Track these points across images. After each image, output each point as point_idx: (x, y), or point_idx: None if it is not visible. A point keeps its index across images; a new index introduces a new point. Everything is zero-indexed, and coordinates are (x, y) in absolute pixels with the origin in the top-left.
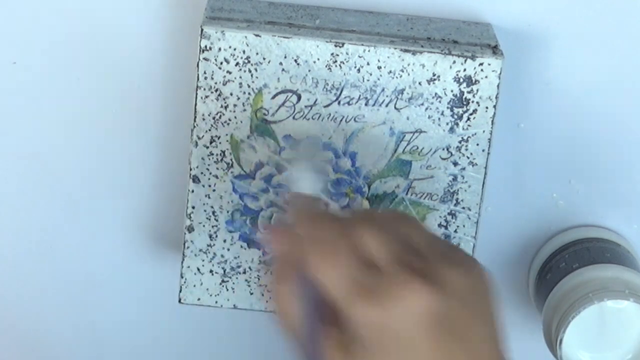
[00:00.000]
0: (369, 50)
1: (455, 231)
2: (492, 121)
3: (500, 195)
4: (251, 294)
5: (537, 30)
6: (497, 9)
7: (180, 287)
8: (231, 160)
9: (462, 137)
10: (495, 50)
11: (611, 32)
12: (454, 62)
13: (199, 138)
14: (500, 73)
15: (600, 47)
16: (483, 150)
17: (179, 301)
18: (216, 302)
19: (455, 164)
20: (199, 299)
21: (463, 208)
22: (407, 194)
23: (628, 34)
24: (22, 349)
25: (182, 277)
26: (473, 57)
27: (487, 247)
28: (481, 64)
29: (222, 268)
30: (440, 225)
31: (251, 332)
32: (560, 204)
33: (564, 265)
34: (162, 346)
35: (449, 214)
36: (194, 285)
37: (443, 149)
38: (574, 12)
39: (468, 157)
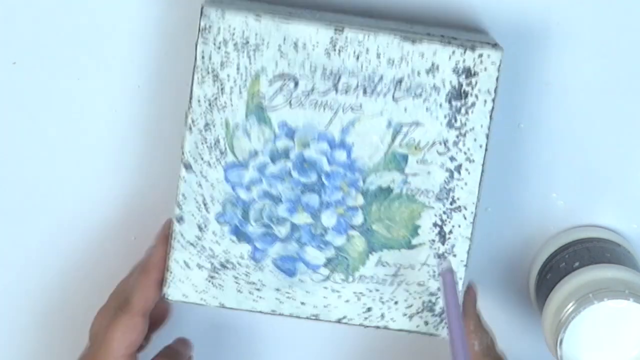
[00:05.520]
0: (368, 38)
1: (451, 232)
2: (491, 116)
3: (500, 195)
4: (239, 292)
5: (537, 30)
6: (497, 9)
7: (167, 281)
8: (225, 147)
9: (460, 132)
10: (494, 46)
11: (611, 33)
12: (454, 52)
13: (193, 123)
14: (499, 66)
15: (600, 47)
16: (480, 147)
17: (164, 297)
18: (202, 299)
19: (452, 159)
20: (184, 296)
21: (459, 207)
22: (402, 189)
23: (628, 35)
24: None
25: (169, 270)
26: (473, 48)
27: (487, 248)
28: (480, 55)
29: (211, 263)
30: (435, 224)
31: (250, 331)
32: (560, 204)
33: (564, 265)
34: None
35: (444, 212)
36: (181, 281)
37: (440, 143)
38: (574, 12)
39: (465, 153)
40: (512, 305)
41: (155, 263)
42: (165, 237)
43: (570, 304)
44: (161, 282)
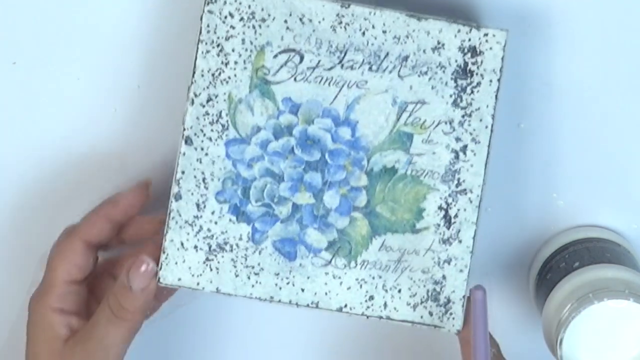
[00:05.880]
0: (374, 13)
1: (456, 215)
2: (496, 96)
3: (500, 195)
4: (236, 276)
5: (538, 30)
6: (497, 8)
7: (161, 264)
8: (227, 122)
9: (465, 112)
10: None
11: (612, 33)
12: (459, 30)
13: (195, 95)
14: (504, 45)
15: (601, 47)
16: (486, 127)
17: (158, 281)
18: (198, 283)
19: (457, 140)
20: (179, 279)
21: (464, 190)
22: (407, 170)
23: (628, 35)
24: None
25: (163, 252)
26: (478, 27)
27: (487, 247)
28: (486, 35)
29: (208, 244)
30: (440, 207)
31: (245, 320)
32: (560, 204)
33: (564, 265)
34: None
35: (449, 195)
36: (176, 263)
37: (445, 123)
38: (575, 12)
39: (471, 134)
40: (512, 305)
41: (113, 199)
42: (139, 189)
43: (570, 304)
44: (112, 218)
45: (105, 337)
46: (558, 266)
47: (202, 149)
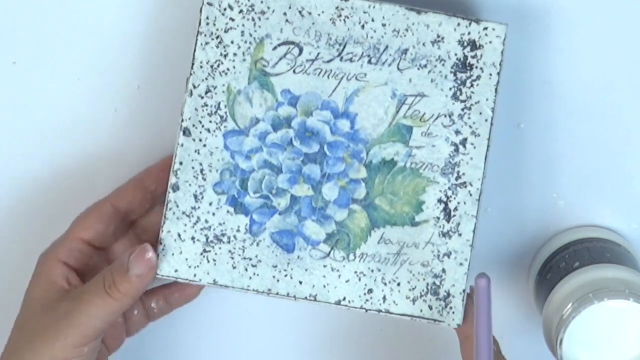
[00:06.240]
0: (374, 7)
1: (456, 209)
2: (496, 89)
3: (500, 195)
4: (234, 268)
5: (538, 29)
6: (497, 7)
7: (157, 255)
8: (225, 113)
9: (465, 105)
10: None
11: (612, 32)
12: (459, 24)
13: (194, 87)
14: (504, 39)
15: (601, 46)
16: (486, 120)
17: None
18: (195, 275)
19: (457, 132)
20: (176, 271)
21: (464, 183)
22: (406, 162)
23: (629, 35)
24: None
25: (160, 243)
26: (478, 21)
27: (487, 247)
28: (485, 28)
29: (205, 235)
30: (440, 200)
31: (242, 313)
32: (560, 204)
33: (564, 265)
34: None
35: (449, 188)
36: (172, 254)
37: (445, 116)
38: (575, 12)
39: (470, 127)
40: (512, 305)
41: (147, 170)
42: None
43: (570, 304)
44: (142, 183)
45: (89, 305)
46: (558, 266)
47: (200, 140)
